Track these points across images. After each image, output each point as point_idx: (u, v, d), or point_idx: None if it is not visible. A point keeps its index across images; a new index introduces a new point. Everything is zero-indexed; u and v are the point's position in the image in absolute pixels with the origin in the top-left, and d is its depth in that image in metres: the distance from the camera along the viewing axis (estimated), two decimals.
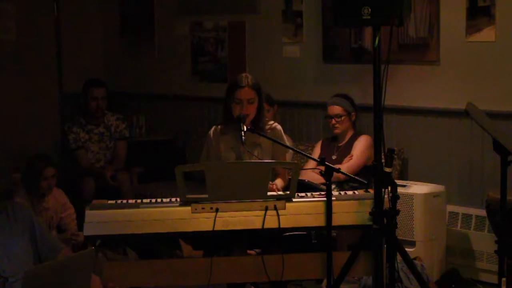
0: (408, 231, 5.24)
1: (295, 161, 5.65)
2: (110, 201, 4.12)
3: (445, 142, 5.61)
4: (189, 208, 3.93)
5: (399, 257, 4.04)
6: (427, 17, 5.59)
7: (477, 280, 5.28)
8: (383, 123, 4.02)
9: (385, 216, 3.95)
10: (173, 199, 4.06)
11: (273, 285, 4.19)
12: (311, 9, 6.22)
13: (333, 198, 3.93)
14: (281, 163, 4.67)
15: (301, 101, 6.34)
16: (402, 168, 5.73)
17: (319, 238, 4.24)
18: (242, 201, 3.95)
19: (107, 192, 5.94)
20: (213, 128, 4.64)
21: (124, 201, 4.16)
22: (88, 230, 3.93)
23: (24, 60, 6.92)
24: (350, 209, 4.02)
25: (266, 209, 3.93)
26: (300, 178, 4.48)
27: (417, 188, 5.26)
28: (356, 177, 4.35)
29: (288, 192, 4.02)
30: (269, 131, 4.55)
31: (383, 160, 4.01)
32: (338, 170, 4.01)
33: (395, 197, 3.94)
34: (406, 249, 4.23)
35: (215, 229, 3.91)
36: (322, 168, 3.97)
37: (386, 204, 3.96)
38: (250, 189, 3.93)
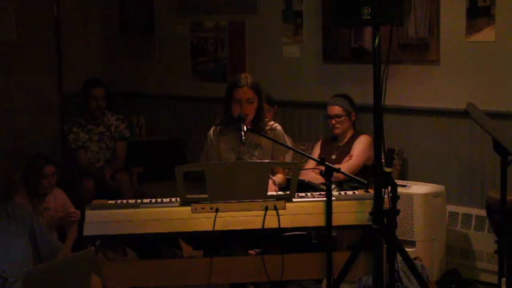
0: (408, 231, 5.24)
1: (295, 161, 5.66)
2: (110, 201, 4.12)
3: (445, 142, 5.61)
4: (189, 208, 3.93)
5: (399, 257, 4.04)
6: (427, 17, 5.59)
7: (477, 280, 5.28)
8: (383, 123, 4.02)
9: (385, 216, 3.95)
10: (173, 199, 4.06)
11: (273, 285, 4.20)
12: (311, 9, 6.22)
13: (333, 198, 3.93)
14: (281, 163, 4.67)
15: (301, 101, 6.34)
16: (402, 168, 5.73)
17: (319, 238, 4.25)
18: (242, 201, 3.95)
19: (107, 192, 5.95)
20: (212, 129, 4.64)
21: (124, 201, 4.16)
22: (88, 230, 3.93)
23: (24, 60, 6.92)
24: (350, 209, 4.02)
25: (266, 209, 3.93)
26: (300, 178, 4.48)
27: (417, 188, 5.26)
28: (356, 177, 4.35)
29: (288, 192, 4.02)
30: (269, 131, 4.55)
31: (383, 160, 4.01)
32: (338, 170, 4.01)
33: (395, 197, 3.94)
34: (406, 249, 4.23)
35: (215, 229, 3.91)
36: (322, 168, 3.97)
37: (386, 204, 3.96)
38: (250, 189, 3.93)
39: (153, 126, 7.35)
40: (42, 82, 7.06)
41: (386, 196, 3.96)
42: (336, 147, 5.56)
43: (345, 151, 5.48)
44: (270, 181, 4.28)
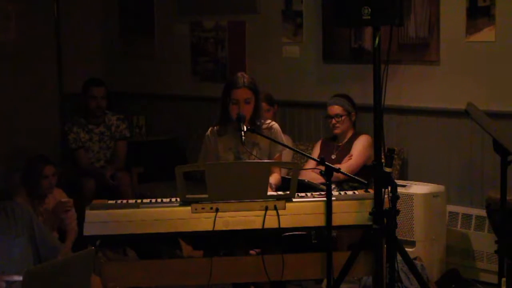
0: (408, 231, 5.24)
1: (295, 161, 5.66)
2: (110, 201, 4.12)
3: (445, 142, 5.61)
4: (189, 208, 3.93)
5: (399, 257, 4.04)
6: (427, 17, 5.59)
7: (477, 280, 5.28)
8: (383, 123, 4.02)
9: (385, 216, 3.95)
10: (173, 199, 4.06)
11: (273, 285, 4.19)
12: (311, 9, 6.22)
13: (333, 198, 3.93)
14: (282, 163, 4.67)
15: (301, 101, 6.34)
16: (402, 168, 5.73)
17: (319, 238, 4.24)
18: (242, 201, 3.95)
19: (107, 192, 5.95)
20: (210, 129, 4.63)
21: (124, 201, 4.16)
22: (88, 230, 3.93)
23: (24, 60, 6.92)
24: (350, 209, 4.02)
25: (266, 209, 3.93)
26: (300, 178, 4.48)
27: (417, 188, 5.26)
28: (356, 177, 4.35)
29: (288, 192, 4.02)
30: (266, 130, 4.54)
31: (383, 160, 4.01)
32: (338, 170, 4.00)
33: (395, 197, 3.94)
34: (406, 249, 4.23)
35: (215, 229, 3.91)
36: (322, 168, 3.97)
37: (386, 204, 3.96)
38: (250, 189, 3.93)
39: (153, 126, 7.35)
40: (42, 82, 7.06)
41: (386, 196, 3.96)
42: (336, 147, 5.56)
43: (345, 151, 5.48)
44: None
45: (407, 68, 5.71)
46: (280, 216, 3.93)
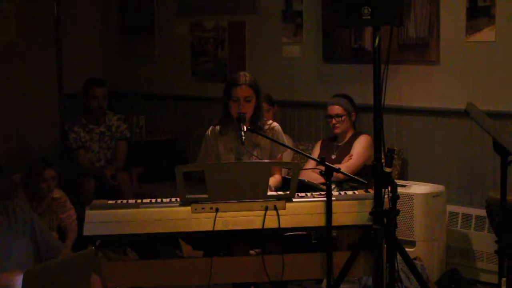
0: (408, 231, 5.23)
1: (296, 161, 5.66)
2: (110, 201, 4.12)
3: (445, 142, 5.61)
4: (189, 208, 3.94)
5: (399, 257, 4.04)
6: (427, 17, 5.59)
7: (477, 280, 5.28)
8: (383, 123, 4.02)
9: (385, 216, 3.95)
10: (173, 199, 4.06)
11: (273, 285, 4.19)
12: (311, 9, 6.22)
13: (333, 198, 3.93)
14: (282, 163, 4.67)
15: (301, 101, 6.34)
16: (402, 168, 5.73)
17: (319, 238, 4.25)
18: (242, 201, 3.95)
19: (107, 192, 5.95)
20: (210, 128, 4.63)
21: (124, 201, 4.16)
22: (88, 230, 3.93)
23: (24, 60, 6.92)
24: (350, 209, 4.02)
25: (266, 209, 3.93)
26: (300, 178, 4.48)
27: (417, 188, 5.26)
28: (356, 177, 4.35)
29: (288, 192, 4.02)
30: (268, 130, 4.54)
31: (383, 160, 4.01)
32: (338, 170, 4.00)
33: (395, 197, 3.94)
34: (406, 249, 4.23)
35: (215, 229, 3.91)
36: (322, 168, 3.97)
37: (386, 204, 3.96)
38: (250, 189, 3.93)
39: (153, 126, 7.35)
40: (42, 82, 7.06)
41: (386, 196, 3.96)
42: (336, 147, 5.56)
43: (345, 151, 5.48)
44: None
45: (407, 68, 5.71)
46: (280, 216, 3.93)
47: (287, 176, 4.70)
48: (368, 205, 3.99)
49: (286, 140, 4.74)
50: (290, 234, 4.13)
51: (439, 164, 5.64)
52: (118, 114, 6.66)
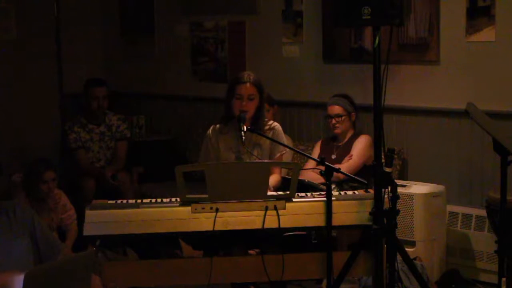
0: (408, 231, 5.23)
1: (296, 161, 5.65)
2: (110, 201, 4.12)
3: (445, 142, 5.61)
4: (189, 208, 3.94)
5: (399, 257, 4.04)
6: (427, 17, 5.59)
7: (477, 280, 5.28)
8: (383, 123, 4.02)
9: (385, 216, 3.95)
10: (173, 199, 4.06)
11: (273, 285, 4.19)
12: (311, 9, 6.22)
13: (333, 198, 3.93)
14: (282, 163, 4.67)
15: (301, 101, 6.34)
16: (402, 168, 5.74)
17: (319, 238, 4.24)
18: (242, 201, 3.95)
19: (107, 192, 5.95)
20: (211, 127, 4.63)
21: (124, 201, 4.16)
22: (88, 230, 3.93)
23: (24, 60, 6.92)
24: (350, 209, 4.02)
25: (266, 209, 3.93)
26: (300, 178, 4.48)
27: (417, 188, 5.26)
28: (356, 177, 4.35)
29: (288, 192, 4.02)
30: (268, 131, 4.55)
31: (383, 160, 4.01)
32: (338, 170, 4.01)
33: (395, 197, 3.94)
34: (406, 249, 4.23)
35: (215, 229, 3.91)
36: (322, 168, 3.97)
37: (386, 204, 3.96)
38: (250, 189, 3.93)
39: (153, 126, 7.35)
40: (42, 82, 7.06)
41: (386, 196, 3.96)
42: (336, 147, 5.56)
43: (345, 151, 5.48)
44: None
45: (407, 68, 5.71)
46: (280, 216, 3.93)
47: (287, 176, 4.70)
48: (368, 205, 3.99)
49: (286, 140, 4.74)
50: (290, 234, 4.13)
51: (439, 164, 5.64)
52: (118, 114, 6.66)
